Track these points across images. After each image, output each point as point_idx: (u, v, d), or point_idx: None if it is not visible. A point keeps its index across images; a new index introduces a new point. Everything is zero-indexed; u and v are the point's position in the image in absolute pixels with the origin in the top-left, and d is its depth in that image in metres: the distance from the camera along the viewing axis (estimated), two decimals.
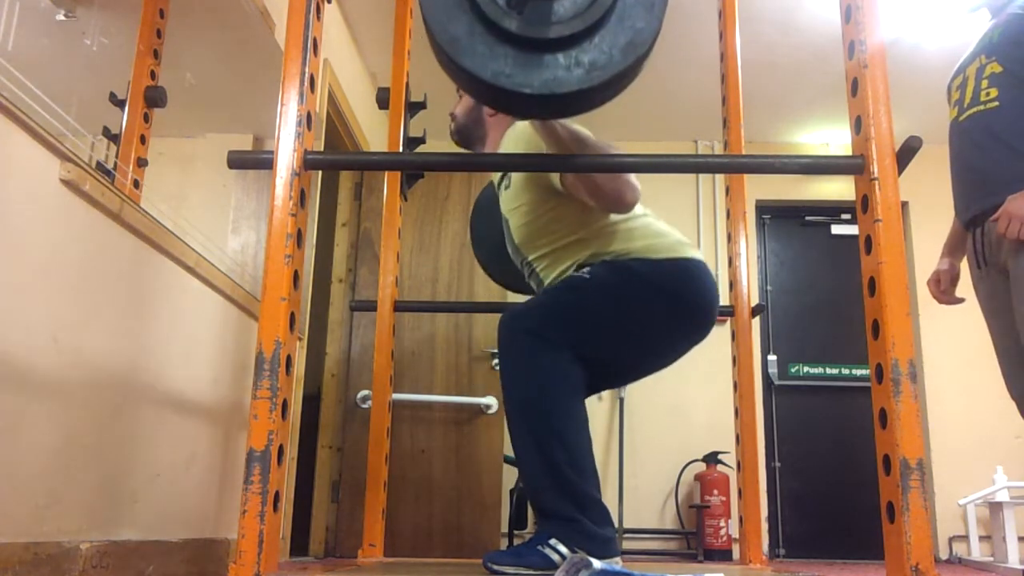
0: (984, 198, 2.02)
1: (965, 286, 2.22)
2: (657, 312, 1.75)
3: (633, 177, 1.65)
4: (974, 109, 2.07)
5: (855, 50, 1.29)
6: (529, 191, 1.81)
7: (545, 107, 1.17)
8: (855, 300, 4.84)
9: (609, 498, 4.43)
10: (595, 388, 1.87)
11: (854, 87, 1.29)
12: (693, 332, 1.80)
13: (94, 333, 1.71)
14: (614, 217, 1.77)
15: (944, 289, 2.27)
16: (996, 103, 2.01)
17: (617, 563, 1.61)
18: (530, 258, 1.87)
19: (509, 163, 1.69)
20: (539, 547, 1.59)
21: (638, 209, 1.78)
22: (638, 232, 1.78)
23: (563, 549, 1.57)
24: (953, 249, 2.29)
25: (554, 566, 1.55)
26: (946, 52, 3.89)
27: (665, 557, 4.41)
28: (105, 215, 1.74)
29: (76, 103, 1.72)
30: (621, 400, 4.61)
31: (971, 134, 2.07)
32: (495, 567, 1.57)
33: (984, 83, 2.05)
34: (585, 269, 1.75)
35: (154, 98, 2.06)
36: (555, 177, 1.73)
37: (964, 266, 2.23)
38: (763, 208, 5.01)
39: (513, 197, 1.86)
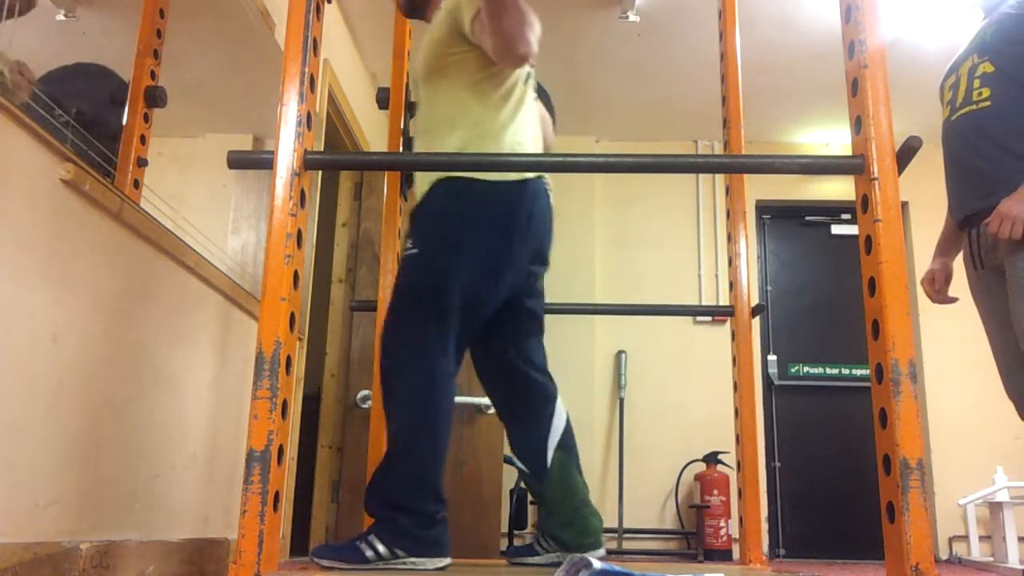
0: (979, 199, 2.02)
1: (960, 286, 2.22)
2: (503, 246, 1.78)
3: (533, 37, 1.67)
4: (966, 109, 2.07)
5: (855, 50, 1.29)
6: (445, 26, 1.83)
7: None
8: (855, 300, 4.85)
9: (609, 498, 4.44)
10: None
11: (854, 87, 1.29)
12: (534, 245, 1.85)
13: (94, 333, 1.71)
14: (490, 110, 1.80)
15: (938, 288, 2.27)
16: (988, 103, 2.01)
17: (447, 562, 1.65)
18: (419, 100, 1.93)
19: (512, 164, 1.69)
20: (357, 542, 1.63)
21: (512, 104, 1.82)
22: (495, 138, 1.80)
23: (381, 547, 1.61)
24: (947, 248, 2.29)
25: (366, 561, 1.59)
26: (946, 52, 3.89)
27: (665, 557, 4.41)
28: (105, 215, 1.74)
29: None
30: (621, 400, 4.61)
31: (964, 134, 2.07)
32: (315, 559, 1.62)
33: (976, 83, 2.05)
34: (409, 242, 1.77)
35: (154, 98, 2.06)
36: (467, 20, 1.76)
37: (959, 265, 2.23)
38: (763, 208, 5.01)
39: (433, 25, 1.89)
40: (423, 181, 1.83)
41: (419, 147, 1.91)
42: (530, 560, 1.91)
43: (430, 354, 1.72)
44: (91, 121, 1.62)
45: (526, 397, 1.91)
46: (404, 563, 1.61)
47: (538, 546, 1.92)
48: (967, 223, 2.09)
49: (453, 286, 1.73)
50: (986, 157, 2.00)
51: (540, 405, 1.90)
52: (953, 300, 2.27)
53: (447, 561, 1.65)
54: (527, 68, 1.90)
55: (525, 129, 1.88)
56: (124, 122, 1.95)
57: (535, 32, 1.68)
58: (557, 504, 1.86)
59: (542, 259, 1.92)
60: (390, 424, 1.74)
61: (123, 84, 1.88)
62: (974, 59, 2.08)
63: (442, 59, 1.83)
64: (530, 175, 1.81)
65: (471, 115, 1.81)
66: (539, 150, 1.97)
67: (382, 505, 1.67)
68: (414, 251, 1.76)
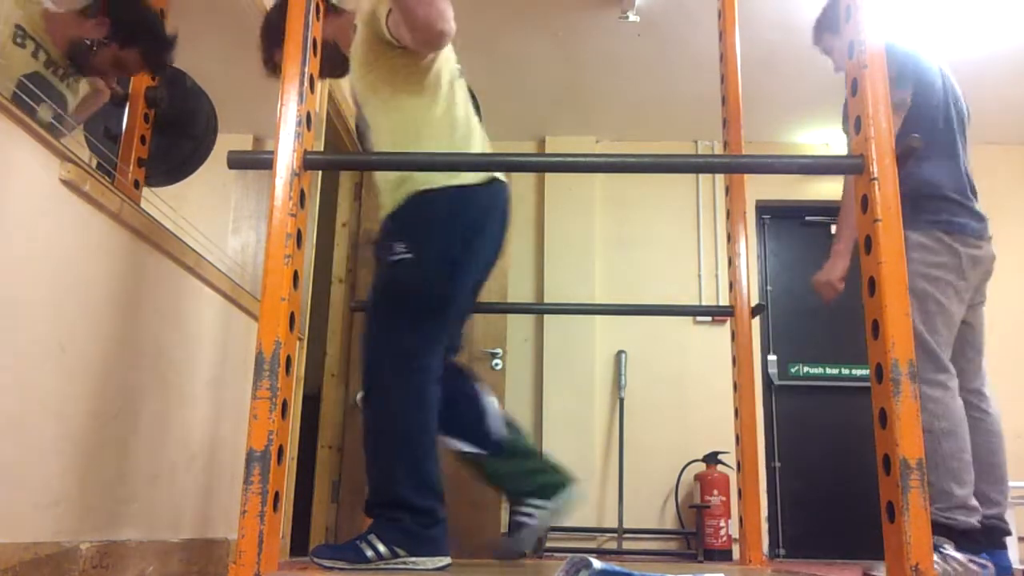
0: None
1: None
2: (485, 246, 1.86)
3: (449, 13, 1.66)
4: None
5: (855, 50, 1.29)
6: (365, 40, 1.83)
7: None
8: (855, 300, 4.83)
9: (609, 498, 4.44)
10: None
11: (854, 87, 1.29)
12: (500, 240, 1.93)
13: (93, 333, 1.71)
14: (423, 104, 1.81)
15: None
16: None
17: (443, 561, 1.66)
18: (364, 124, 1.93)
19: (512, 164, 1.69)
20: (357, 542, 1.63)
21: (444, 90, 1.83)
22: (437, 131, 1.82)
23: (381, 547, 1.61)
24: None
25: (367, 561, 1.59)
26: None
27: (665, 557, 4.41)
28: (105, 215, 1.74)
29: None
30: (621, 400, 4.61)
31: None
32: (316, 559, 1.62)
33: None
34: (401, 247, 1.77)
35: (154, 98, 2.06)
36: (383, 19, 1.75)
37: None
38: (763, 208, 5.01)
39: (354, 48, 1.88)
40: (392, 195, 1.83)
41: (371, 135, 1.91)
42: (526, 532, 1.89)
43: (425, 355, 1.75)
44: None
45: (463, 383, 1.97)
46: (404, 562, 1.61)
47: (524, 517, 1.89)
48: None
49: (449, 289, 1.79)
50: None
51: (473, 386, 1.98)
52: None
53: (447, 560, 1.65)
54: (449, 53, 1.91)
55: (470, 114, 1.91)
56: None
57: (449, 9, 1.69)
58: (523, 465, 1.92)
59: (499, 254, 1.99)
60: (386, 423, 1.72)
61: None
62: None
63: (374, 71, 1.83)
64: (498, 175, 1.88)
65: (419, 115, 1.82)
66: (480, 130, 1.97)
67: (384, 505, 1.67)
68: (408, 256, 1.76)
